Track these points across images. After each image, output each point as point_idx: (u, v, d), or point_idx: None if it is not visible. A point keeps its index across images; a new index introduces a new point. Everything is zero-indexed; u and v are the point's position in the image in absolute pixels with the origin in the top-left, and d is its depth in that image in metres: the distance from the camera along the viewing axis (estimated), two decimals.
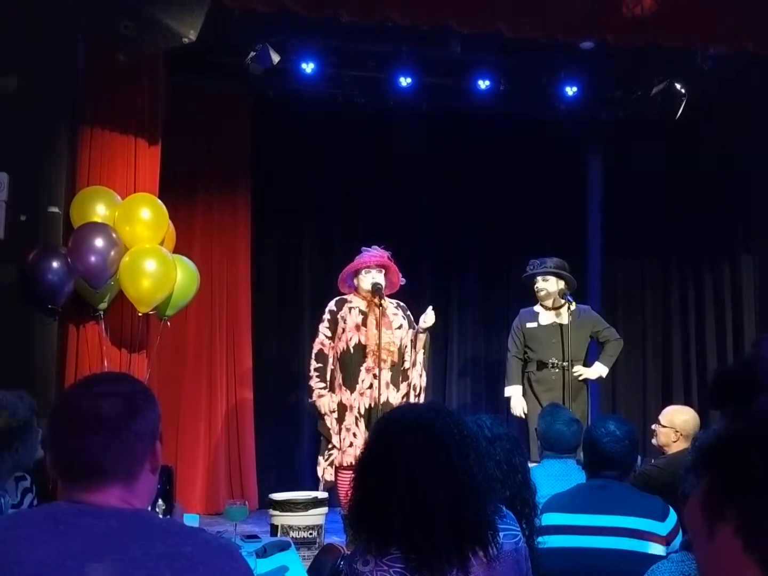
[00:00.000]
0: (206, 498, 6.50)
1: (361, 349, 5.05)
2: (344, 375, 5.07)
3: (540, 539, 2.49)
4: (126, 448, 1.41)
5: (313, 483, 5.71)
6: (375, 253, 5.25)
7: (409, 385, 5.17)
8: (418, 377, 5.24)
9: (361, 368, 5.03)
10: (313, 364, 5.13)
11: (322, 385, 5.08)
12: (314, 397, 5.09)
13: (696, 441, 3.47)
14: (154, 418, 1.46)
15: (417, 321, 5.25)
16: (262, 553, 3.14)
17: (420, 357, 5.25)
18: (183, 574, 1.32)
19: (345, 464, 4.92)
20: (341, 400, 5.06)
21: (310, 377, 5.13)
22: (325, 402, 5.05)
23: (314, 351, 5.17)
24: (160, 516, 2.87)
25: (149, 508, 1.61)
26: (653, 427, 4.18)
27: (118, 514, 1.37)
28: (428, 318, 5.15)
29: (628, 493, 2.94)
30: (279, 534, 4.82)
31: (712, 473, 0.77)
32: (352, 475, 1.95)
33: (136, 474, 1.43)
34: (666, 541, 2.74)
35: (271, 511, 5.02)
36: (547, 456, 3.63)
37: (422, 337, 5.23)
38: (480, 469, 1.92)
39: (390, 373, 5.07)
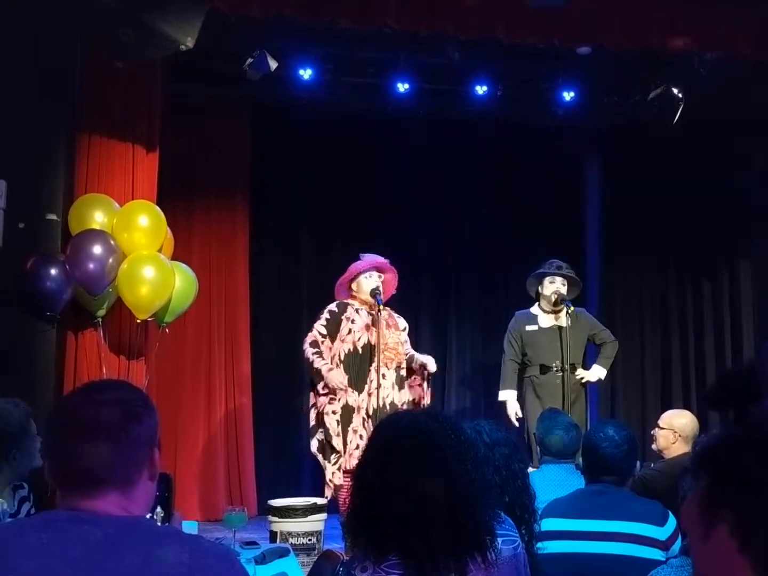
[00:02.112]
0: (205, 505, 6.49)
1: (369, 350, 5.05)
2: (351, 376, 5.04)
3: (539, 545, 2.48)
4: (124, 456, 1.41)
5: (313, 489, 5.71)
6: (372, 257, 5.27)
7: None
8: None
9: (371, 368, 5.02)
10: (310, 350, 5.03)
11: (326, 361, 4.99)
12: (324, 373, 4.93)
13: (696, 445, 3.48)
14: (152, 425, 1.46)
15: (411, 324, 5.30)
16: (262, 559, 3.13)
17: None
18: None
19: (350, 468, 4.85)
20: (347, 402, 5.01)
21: (311, 361, 5.00)
22: (336, 375, 4.93)
23: (308, 341, 5.09)
24: (159, 523, 2.87)
25: (148, 516, 1.60)
26: (653, 432, 4.18)
27: (116, 521, 1.37)
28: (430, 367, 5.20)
29: (627, 498, 2.93)
30: (278, 540, 4.81)
31: (710, 474, 0.78)
32: (350, 482, 1.95)
33: (135, 481, 1.43)
34: (665, 546, 2.74)
35: (270, 518, 5.00)
36: (546, 461, 3.63)
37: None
38: (478, 474, 1.92)
39: (395, 374, 5.08)
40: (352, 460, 4.86)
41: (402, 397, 5.12)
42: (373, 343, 5.03)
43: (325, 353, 5.07)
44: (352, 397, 5.01)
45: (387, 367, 5.02)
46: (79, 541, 1.32)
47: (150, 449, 1.45)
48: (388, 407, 4.92)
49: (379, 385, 4.93)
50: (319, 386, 5.02)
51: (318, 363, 5.00)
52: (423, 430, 1.86)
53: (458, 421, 2.03)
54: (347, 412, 5.00)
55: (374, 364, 4.99)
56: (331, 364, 5.05)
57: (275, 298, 7.22)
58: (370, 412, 4.97)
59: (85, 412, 1.41)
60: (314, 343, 5.08)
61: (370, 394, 4.99)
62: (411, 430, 1.87)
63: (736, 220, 6.90)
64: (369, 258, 5.27)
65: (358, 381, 5.03)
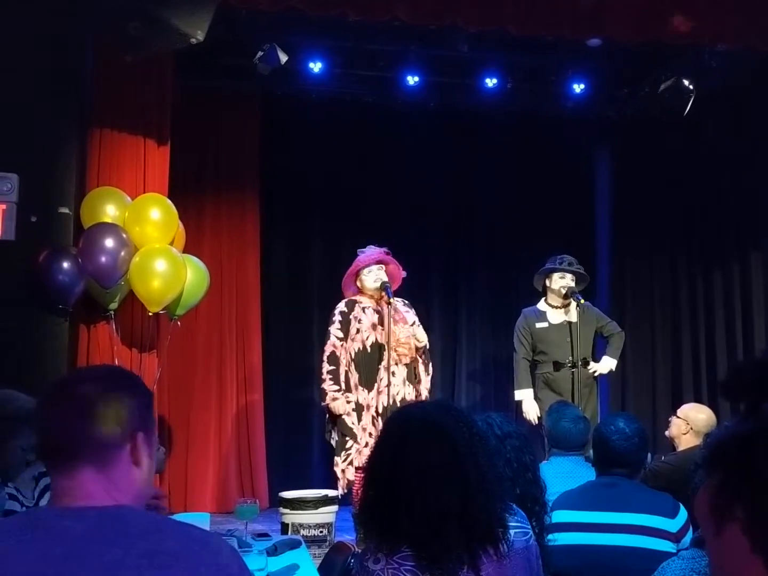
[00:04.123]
0: (217, 497, 6.52)
1: (378, 348, 5.05)
2: (360, 374, 5.05)
3: (550, 537, 2.48)
4: (96, 431, 1.37)
5: (324, 481, 5.72)
6: (371, 252, 5.26)
7: (417, 388, 5.19)
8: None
9: (380, 366, 5.03)
10: (326, 367, 5.07)
11: (336, 387, 5.02)
12: (327, 401, 5.02)
13: (708, 438, 3.47)
14: (135, 406, 1.42)
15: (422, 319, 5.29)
16: (273, 551, 3.14)
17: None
18: (164, 570, 1.29)
19: (361, 465, 4.88)
20: (358, 400, 5.02)
21: (323, 380, 5.07)
22: (339, 405, 5.00)
23: (326, 354, 5.11)
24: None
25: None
26: (670, 418, 4.18)
27: (98, 513, 1.34)
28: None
29: (638, 490, 2.93)
30: (290, 532, 4.82)
31: (721, 471, 0.78)
32: (362, 475, 1.95)
33: (111, 461, 1.39)
34: (676, 538, 2.74)
35: (282, 510, 5.02)
36: (555, 453, 3.63)
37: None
38: (490, 466, 1.92)
39: (406, 370, 5.08)
40: (362, 458, 4.88)
41: (413, 393, 5.13)
42: (381, 342, 5.04)
43: (343, 358, 5.08)
44: (362, 396, 5.03)
45: (398, 363, 5.02)
46: (61, 539, 1.30)
47: (131, 431, 1.40)
48: (398, 404, 4.91)
49: (389, 384, 4.94)
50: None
51: (327, 386, 5.04)
52: (434, 422, 1.86)
53: (469, 413, 2.03)
54: (358, 411, 5.03)
55: (384, 363, 5.00)
56: (347, 364, 5.07)
57: (286, 290, 7.24)
58: (380, 410, 4.98)
59: (64, 388, 1.41)
60: (332, 357, 5.08)
61: (379, 392, 5.00)
62: (422, 423, 1.87)
63: (747, 212, 6.87)
64: (367, 252, 5.27)
65: (368, 379, 5.04)
